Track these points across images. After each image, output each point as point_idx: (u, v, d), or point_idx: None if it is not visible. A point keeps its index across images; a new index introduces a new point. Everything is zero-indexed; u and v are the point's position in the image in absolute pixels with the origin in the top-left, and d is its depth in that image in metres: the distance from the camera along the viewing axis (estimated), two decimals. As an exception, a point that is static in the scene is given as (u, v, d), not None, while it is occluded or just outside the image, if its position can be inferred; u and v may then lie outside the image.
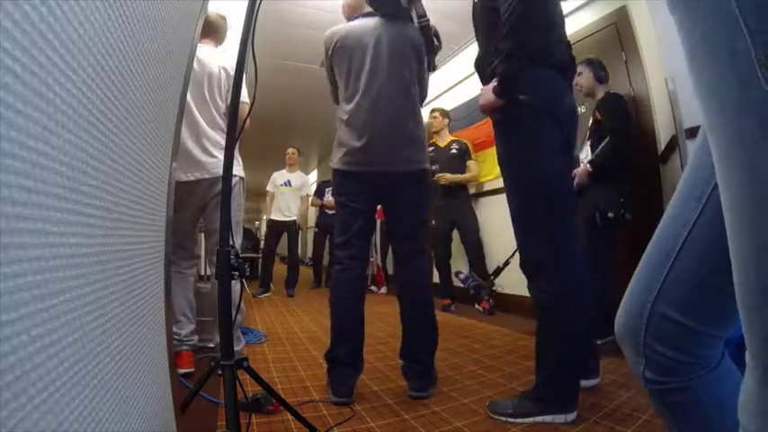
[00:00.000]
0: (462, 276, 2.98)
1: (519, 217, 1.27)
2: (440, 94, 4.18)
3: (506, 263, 2.39)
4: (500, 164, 1.31)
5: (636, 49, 2.25)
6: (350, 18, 1.58)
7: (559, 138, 1.23)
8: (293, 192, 4.32)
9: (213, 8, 2.86)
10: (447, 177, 3.17)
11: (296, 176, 4.42)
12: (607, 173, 1.85)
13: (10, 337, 0.29)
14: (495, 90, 1.19)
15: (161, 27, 0.66)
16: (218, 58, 1.69)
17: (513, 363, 1.80)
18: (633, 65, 2.27)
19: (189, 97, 1.59)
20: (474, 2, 1.36)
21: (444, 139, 3.34)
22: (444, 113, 3.38)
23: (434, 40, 1.54)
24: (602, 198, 1.87)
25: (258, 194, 11.40)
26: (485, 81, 1.29)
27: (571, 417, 1.18)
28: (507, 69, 1.15)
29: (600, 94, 2.04)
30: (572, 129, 1.31)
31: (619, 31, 2.36)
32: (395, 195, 1.47)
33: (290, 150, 4.51)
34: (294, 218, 4.27)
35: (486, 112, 1.28)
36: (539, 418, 1.18)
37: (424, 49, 1.52)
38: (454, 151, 3.25)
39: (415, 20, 1.51)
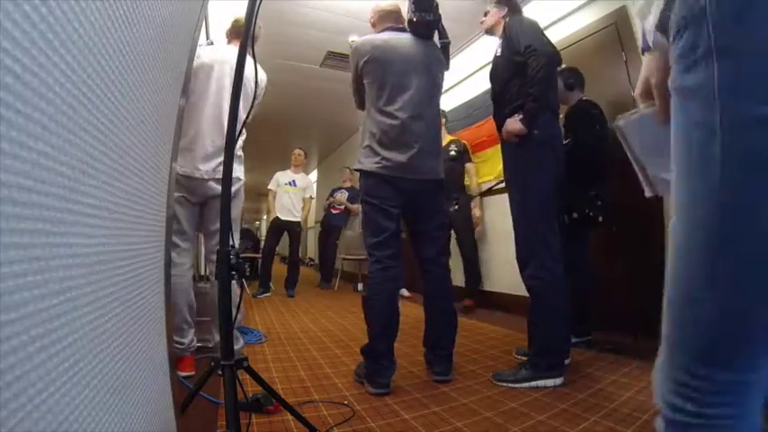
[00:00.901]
0: None
1: (520, 220, 1.62)
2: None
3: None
4: (508, 179, 1.69)
5: (636, 49, 2.24)
6: (377, 27, 1.67)
7: (554, 164, 1.60)
8: (297, 192, 4.29)
9: (213, 8, 2.86)
10: (477, 216, 3.25)
11: (300, 177, 4.40)
12: (582, 175, 1.88)
13: (10, 337, 0.29)
14: (523, 121, 1.53)
15: (161, 27, 0.66)
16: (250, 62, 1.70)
17: (514, 362, 1.80)
18: (633, 65, 2.26)
19: (217, 99, 1.62)
20: (496, 56, 1.69)
21: (443, 140, 3.35)
22: (442, 114, 3.38)
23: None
24: (574, 199, 1.91)
25: (258, 194, 11.40)
26: (502, 113, 1.66)
27: (559, 380, 1.49)
28: (535, 108, 1.52)
29: (572, 101, 2.09)
30: (562, 157, 1.67)
31: (619, 31, 2.35)
32: (421, 201, 1.60)
33: (297, 151, 4.47)
34: (299, 219, 4.26)
35: (510, 138, 1.60)
36: (533, 383, 1.48)
37: (444, 67, 1.70)
38: (453, 152, 3.26)
39: (437, 40, 1.66)
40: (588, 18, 2.58)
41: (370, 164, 1.54)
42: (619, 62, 2.32)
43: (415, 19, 1.55)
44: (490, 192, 3.34)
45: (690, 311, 0.44)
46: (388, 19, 1.65)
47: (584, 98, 2.10)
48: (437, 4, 1.57)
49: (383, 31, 1.63)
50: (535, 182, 1.57)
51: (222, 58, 1.64)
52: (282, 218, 4.14)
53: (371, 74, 1.56)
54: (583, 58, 2.45)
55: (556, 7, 2.77)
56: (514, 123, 1.55)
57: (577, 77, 2.12)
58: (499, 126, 1.68)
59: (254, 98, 1.29)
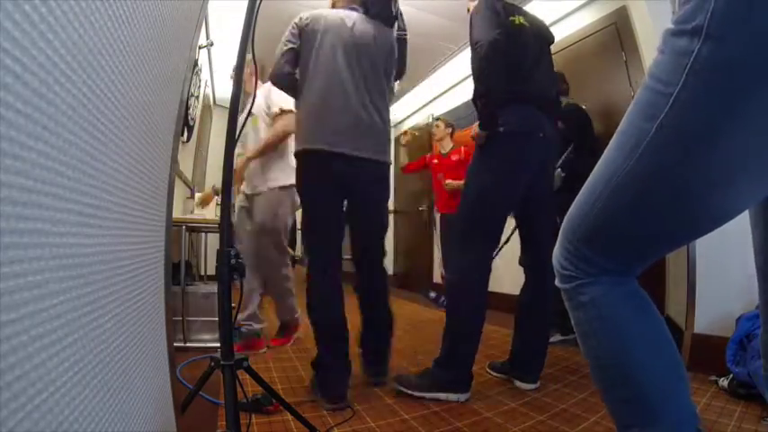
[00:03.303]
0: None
1: (458, 214, 1.49)
2: (440, 94, 4.18)
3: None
4: (467, 174, 1.52)
5: (636, 49, 2.25)
6: (333, 6, 1.54)
7: (533, 161, 1.42)
8: None
9: (213, 8, 2.86)
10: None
11: None
12: (576, 179, 1.86)
13: (10, 337, 0.29)
14: (480, 125, 1.39)
15: (161, 27, 0.66)
16: None
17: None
18: (633, 65, 2.27)
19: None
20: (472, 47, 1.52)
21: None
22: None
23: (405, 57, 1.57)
24: (564, 203, 1.90)
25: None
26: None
27: (463, 396, 1.35)
28: (481, 109, 1.36)
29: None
30: (549, 153, 1.52)
31: (619, 31, 2.35)
32: (359, 187, 1.42)
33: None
34: None
35: (478, 142, 1.44)
36: (435, 395, 1.35)
37: (396, 55, 1.52)
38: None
39: (395, 31, 1.51)
40: (588, 18, 2.58)
41: (299, 143, 1.42)
42: (619, 62, 2.32)
43: None
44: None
45: (591, 202, 0.57)
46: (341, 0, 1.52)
47: (570, 101, 2.07)
48: None
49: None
50: (484, 179, 1.41)
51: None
52: None
53: (306, 43, 1.42)
54: (583, 58, 2.45)
55: (556, 7, 2.77)
56: (475, 127, 1.41)
57: (563, 84, 2.08)
58: None
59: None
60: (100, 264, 0.48)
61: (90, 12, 0.40)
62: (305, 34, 1.43)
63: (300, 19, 1.46)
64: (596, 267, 0.58)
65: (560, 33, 2.73)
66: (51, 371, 0.35)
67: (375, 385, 1.46)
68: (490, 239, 1.45)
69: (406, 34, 1.56)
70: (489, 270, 1.43)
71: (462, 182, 3.31)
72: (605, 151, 0.56)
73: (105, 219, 0.50)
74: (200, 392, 1.05)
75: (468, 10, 1.58)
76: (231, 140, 0.93)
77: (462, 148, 3.44)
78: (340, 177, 1.37)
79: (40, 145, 0.33)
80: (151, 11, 0.60)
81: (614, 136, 0.56)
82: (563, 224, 0.62)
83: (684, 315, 1.64)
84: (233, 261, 0.92)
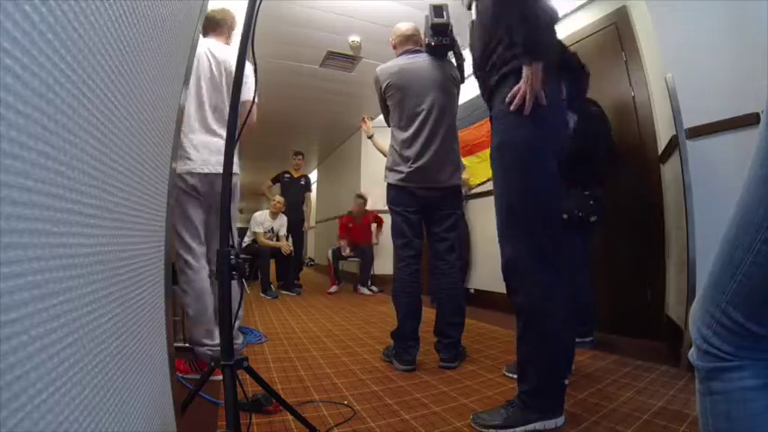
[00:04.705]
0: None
1: (505, 224, 1.19)
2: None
3: None
4: (492, 168, 1.23)
5: (636, 49, 2.25)
6: (398, 50, 1.88)
7: (554, 145, 1.19)
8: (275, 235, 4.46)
9: (213, 8, 2.86)
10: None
11: (277, 222, 4.48)
12: (578, 176, 1.85)
13: (10, 337, 0.29)
14: (528, 60, 1.10)
15: (161, 27, 0.66)
16: (232, 55, 1.53)
17: (514, 363, 1.80)
18: (633, 65, 2.27)
19: (205, 93, 1.58)
20: (471, 22, 1.33)
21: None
22: None
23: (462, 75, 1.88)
24: (573, 200, 1.88)
25: (259, 194, 11.38)
26: (487, 85, 1.28)
27: (560, 421, 1.15)
28: (527, 33, 1.12)
29: None
30: (564, 136, 1.46)
31: (619, 31, 2.35)
32: (436, 205, 1.82)
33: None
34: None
35: (537, 88, 1.11)
36: (530, 426, 1.13)
37: (459, 82, 1.87)
38: (302, 182, 3.71)
39: (454, 59, 1.83)
40: (588, 18, 2.58)
41: (393, 178, 1.82)
42: (619, 62, 2.32)
43: (433, 43, 1.74)
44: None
45: (737, 256, 0.45)
46: (407, 42, 1.86)
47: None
48: (452, 29, 1.73)
49: (402, 54, 1.85)
50: (526, 173, 1.15)
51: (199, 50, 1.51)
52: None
53: (392, 98, 1.81)
54: (583, 58, 2.44)
55: (555, 7, 2.77)
56: (528, 75, 1.10)
57: None
58: (486, 100, 1.33)
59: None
60: (100, 264, 0.48)
61: (90, 12, 0.40)
62: (388, 91, 1.82)
63: (378, 79, 1.84)
64: (751, 342, 0.45)
65: (560, 33, 2.73)
66: (51, 371, 0.35)
67: (446, 368, 1.71)
68: (559, 239, 1.18)
69: (463, 61, 1.81)
70: (566, 278, 1.20)
71: None
72: (746, 193, 0.44)
73: (105, 219, 0.50)
74: (200, 392, 1.05)
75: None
76: (231, 140, 0.93)
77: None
78: (423, 201, 1.80)
79: (40, 145, 0.33)
80: (151, 11, 0.60)
81: (753, 171, 0.44)
82: (703, 291, 0.50)
83: (684, 315, 1.64)
84: (233, 261, 0.92)
